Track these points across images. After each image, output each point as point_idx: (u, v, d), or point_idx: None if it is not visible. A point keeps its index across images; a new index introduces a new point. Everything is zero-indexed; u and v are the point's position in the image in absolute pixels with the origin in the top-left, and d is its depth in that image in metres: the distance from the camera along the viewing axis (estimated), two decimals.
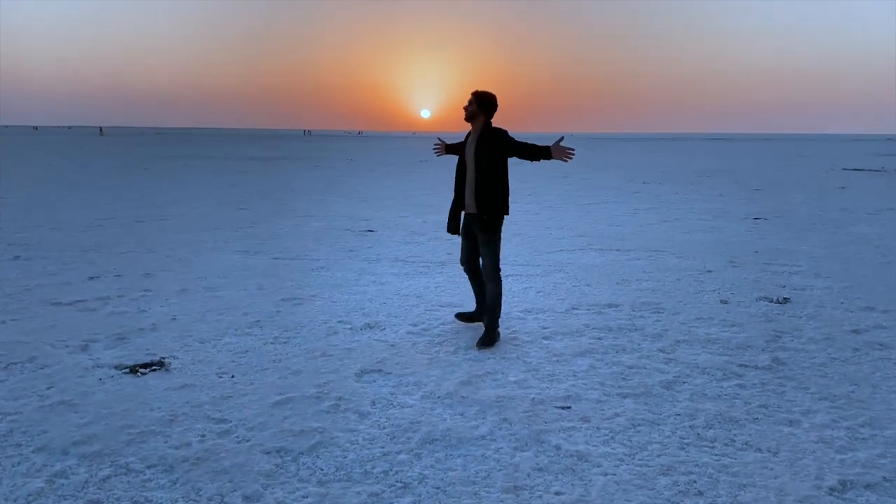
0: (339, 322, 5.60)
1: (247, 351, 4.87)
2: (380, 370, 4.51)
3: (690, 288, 6.91)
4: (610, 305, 6.19)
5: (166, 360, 4.64)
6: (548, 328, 5.46)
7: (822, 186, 20.25)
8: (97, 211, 12.72)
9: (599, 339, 5.21)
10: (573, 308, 6.09)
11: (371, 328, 5.45)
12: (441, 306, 6.10)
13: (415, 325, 5.51)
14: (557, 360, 4.71)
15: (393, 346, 5.00)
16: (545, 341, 5.13)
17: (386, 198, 16.02)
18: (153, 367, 4.50)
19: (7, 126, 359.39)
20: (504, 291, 6.62)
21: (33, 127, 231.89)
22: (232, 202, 14.62)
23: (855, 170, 29.11)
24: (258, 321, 5.59)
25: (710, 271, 7.75)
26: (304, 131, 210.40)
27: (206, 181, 20.41)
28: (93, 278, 7.10)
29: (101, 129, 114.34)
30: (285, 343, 5.05)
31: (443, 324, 5.57)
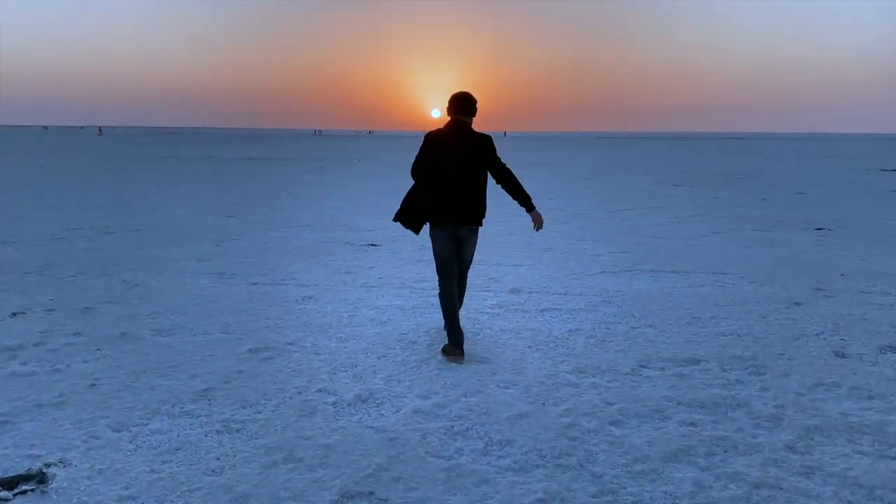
0: (320, 391, 4.01)
1: (178, 448, 3.29)
2: (371, 492, 2.92)
3: (786, 331, 5.28)
4: (690, 361, 4.57)
5: (50, 469, 3.07)
6: (614, 403, 3.85)
7: (871, 189, 18.50)
8: (65, 219, 11.21)
9: (693, 425, 3.59)
10: (641, 365, 4.48)
11: (363, 402, 3.86)
12: (460, 363, 4.51)
13: (425, 398, 3.91)
14: (642, 472, 3.10)
15: (392, 440, 3.40)
16: (616, 431, 3.52)
17: (392, 203, 14.34)
18: (24, 488, 2.93)
19: (20, 126, 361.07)
20: (545, 337, 5.04)
21: (43, 127, 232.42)
22: (220, 208, 13.07)
23: (893, 170, 27.28)
24: (208, 390, 4.01)
25: (798, 304, 6.11)
26: (316, 131, 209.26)
27: (198, 184, 18.91)
28: (16, 315, 5.55)
29: (99, 129, 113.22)
30: (237, 432, 3.47)
31: (465, 395, 3.97)
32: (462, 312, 5.66)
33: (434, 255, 4.67)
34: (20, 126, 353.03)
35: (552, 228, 10.73)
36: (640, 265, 7.81)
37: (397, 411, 3.73)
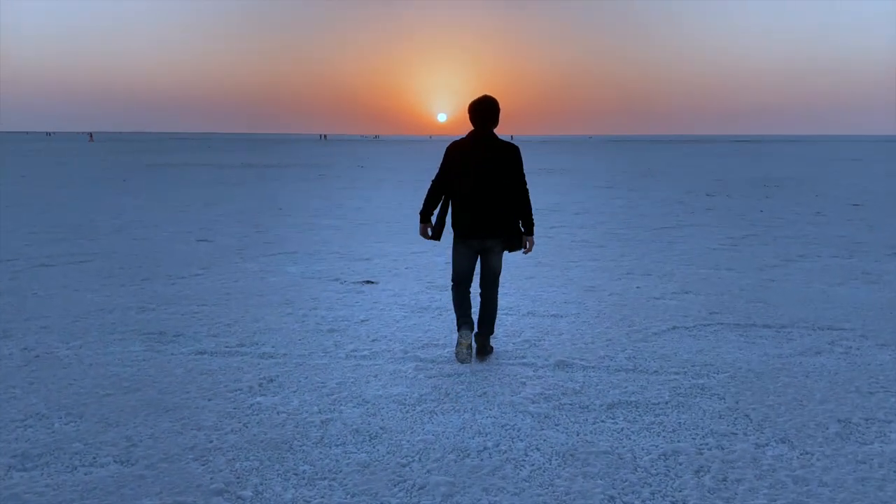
0: None
1: None
2: None
3: None
4: None
5: None
6: None
7: None
8: (3, 246, 9.39)
9: None
10: None
11: None
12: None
13: None
14: None
15: None
16: None
17: (395, 220, 12.56)
18: None
19: (26, 132, 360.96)
20: (628, 471, 3.15)
21: (47, 133, 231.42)
22: (196, 228, 11.24)
23: None
24: None
25: None
26: (321, 136, 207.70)
27: (183, 196, 17.08)
28: None
29: (90, 136, 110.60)
30: None
31: None
32: (495, 413, 3.82)
33: (452, 265, 4.71)
34: (26, 132, 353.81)
35: (589, 254, 8.84)
36: (718, 315, 5.91)
37: None
